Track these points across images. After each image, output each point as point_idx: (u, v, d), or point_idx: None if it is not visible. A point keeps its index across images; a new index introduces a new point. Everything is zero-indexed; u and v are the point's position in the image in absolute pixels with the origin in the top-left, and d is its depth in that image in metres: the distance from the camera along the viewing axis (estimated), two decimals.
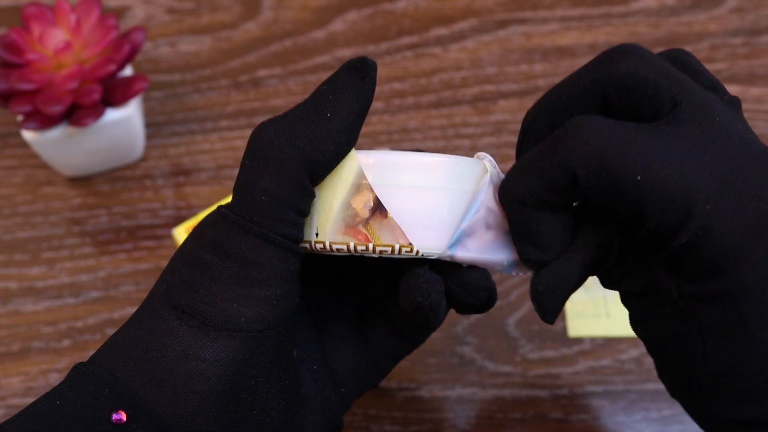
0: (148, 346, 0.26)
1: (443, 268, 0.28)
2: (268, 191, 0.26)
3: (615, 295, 0.46)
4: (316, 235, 0.27)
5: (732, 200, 0.24)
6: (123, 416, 0.25)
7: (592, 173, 0.24)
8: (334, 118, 0.27)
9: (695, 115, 0.25)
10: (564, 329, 0.45)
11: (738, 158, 0.24)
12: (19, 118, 0.46)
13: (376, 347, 0.32)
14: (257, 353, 0.26)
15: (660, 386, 0.43)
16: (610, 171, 0.24)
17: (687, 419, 0.42)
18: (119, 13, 0.58)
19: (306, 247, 0.28)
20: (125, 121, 0.47)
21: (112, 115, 0.47)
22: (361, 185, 0.27)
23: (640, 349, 0.44)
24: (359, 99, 0.27)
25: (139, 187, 0.51)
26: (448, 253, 0.28)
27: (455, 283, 0.28)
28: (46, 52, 0.46)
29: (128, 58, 0.47)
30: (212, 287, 0.26)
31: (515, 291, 0.46)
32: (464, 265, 0.29)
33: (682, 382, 0.27)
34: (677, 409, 0.42)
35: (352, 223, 0.27)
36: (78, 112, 0.45)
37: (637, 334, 0.29)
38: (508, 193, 0.27)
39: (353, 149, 0.27)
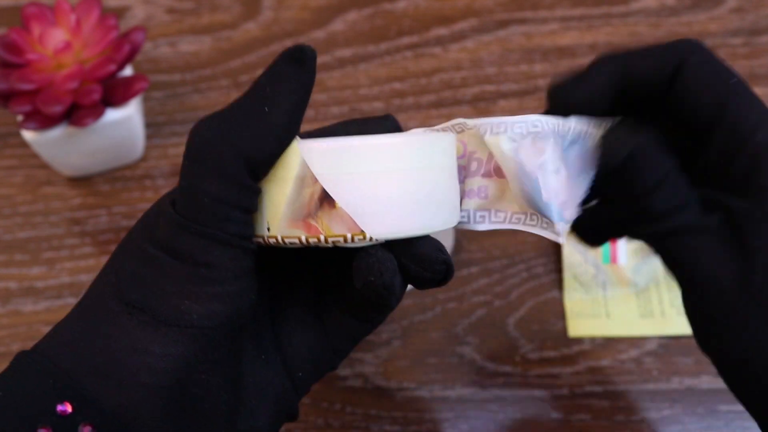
0: (95, 339, 0.26)
1: (395, 245, 0.27)
2: (210, 193, 0.25)
3: (615, 295, 0.46)
4: (268, 230, 0.27)
5: None
6: (68, 407, 0.25)
7: (698, 62, 0.28)
8: (273, 111, 0.26)
9: None
10: (564, 329, 0.45)
11: None
12: (19, 118, 0.46)
13: (334, 329, 0.31)
14: (209, 349, 0.26)
15: (660, 386, 0.43)
16: (711, 68, 0.28)
17: (687, 419, 0.42)
18: (119, 13, 0.58)
19: (260, 242, 0.27)
20: (125, 121, 0.47)
21: (112, 115, 0.47)
22: (305, 177, 0.26)
23: (640, 349, 0.44)
24: (298, 90, 0.26)
25: (139, 187, 0.51)
26: (418, 232, 0.27)
27: (409, 260, 0.27)
28: (46, 52, 0.46)
29: (128, 58, 0.47)
30: (164, 284, 0.26)
31: (515, 291, 0.46)
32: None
33: (719, 319, 0.28)
34: (677, 409, 0.42)
35: (300, 215, 0.26)
36: (78, 112, 0.45)
37: (673, 274, 0.30)
38: (617, 60, 0.30)
39: (296, 140, 0.27)
